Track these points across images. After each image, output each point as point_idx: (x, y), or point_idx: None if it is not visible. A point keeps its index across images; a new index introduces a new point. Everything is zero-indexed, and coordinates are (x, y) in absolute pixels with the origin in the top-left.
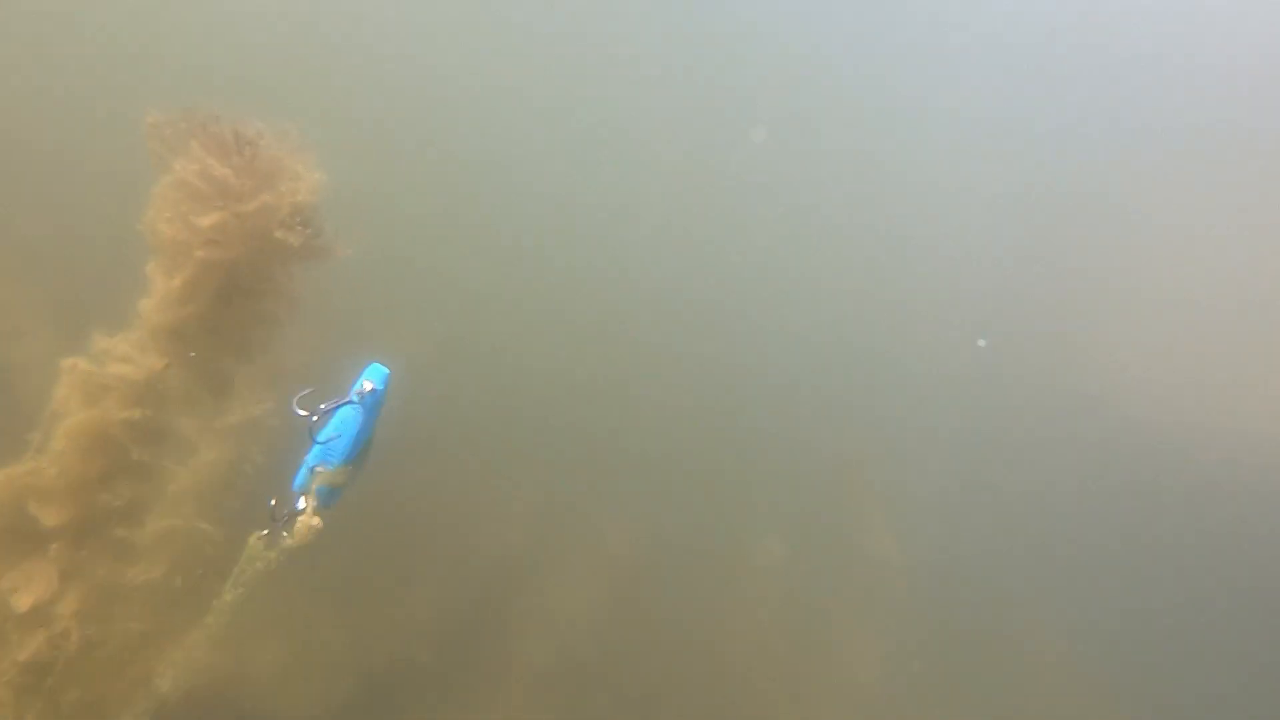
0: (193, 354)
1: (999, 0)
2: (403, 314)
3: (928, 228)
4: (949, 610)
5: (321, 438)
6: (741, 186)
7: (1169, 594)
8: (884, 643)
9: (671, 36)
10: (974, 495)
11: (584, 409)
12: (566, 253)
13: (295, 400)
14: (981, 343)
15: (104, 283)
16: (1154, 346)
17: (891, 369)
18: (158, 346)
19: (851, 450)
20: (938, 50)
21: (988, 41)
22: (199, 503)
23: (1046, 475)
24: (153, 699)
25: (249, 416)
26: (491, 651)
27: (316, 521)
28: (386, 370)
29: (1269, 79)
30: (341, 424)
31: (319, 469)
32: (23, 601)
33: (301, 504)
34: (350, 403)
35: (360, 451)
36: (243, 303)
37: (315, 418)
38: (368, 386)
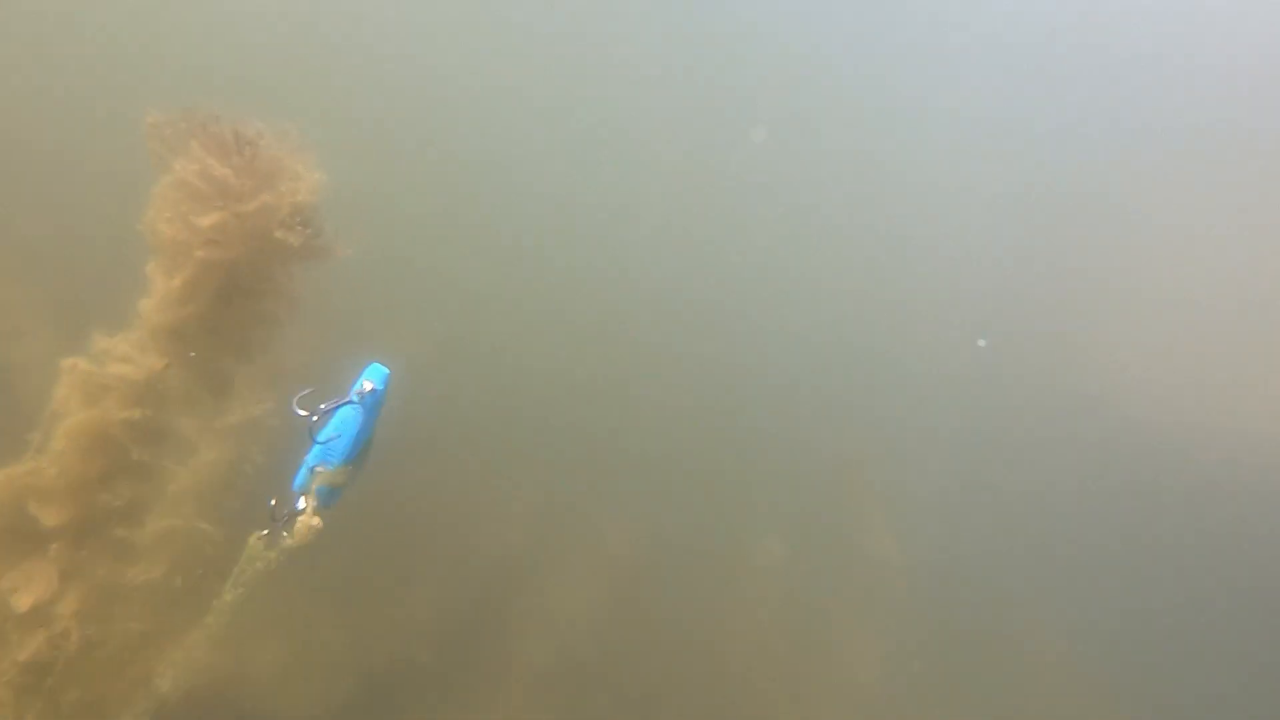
0: (193, 354)
1: (1000, 0)
2: (403, 314)
3: (927, 228)
4: (949, 610)
5: (321, 438)
6: (742, 186)
7: (1169, 594)
8: (884, 643)
9: (672, 36)
10: (974, 495)
11: (584, 409)
12: (567, 253)
13: (295, 400)
14: (981, 343)
15: (104, 283)
16: (1153, 346)
17: (891, 369)
18: (158, 346)
19: (851, 450)
20: (937, 50)
21: (987, 41)
22: (199, 503)
23: (1046, 475)
24: (153, 699)
25: (249, 416)
26: (491, 651)
27: (316, 521)
28: (386, 370)
29: (1269, 79)
30: (341, 424)
31: (319, 469)
32: (23, 601)
33: (302, 504)
34: (350, 403)
35: (360, 451)
36: (243, 303)
37: (315, 418)
38: (368, 386)
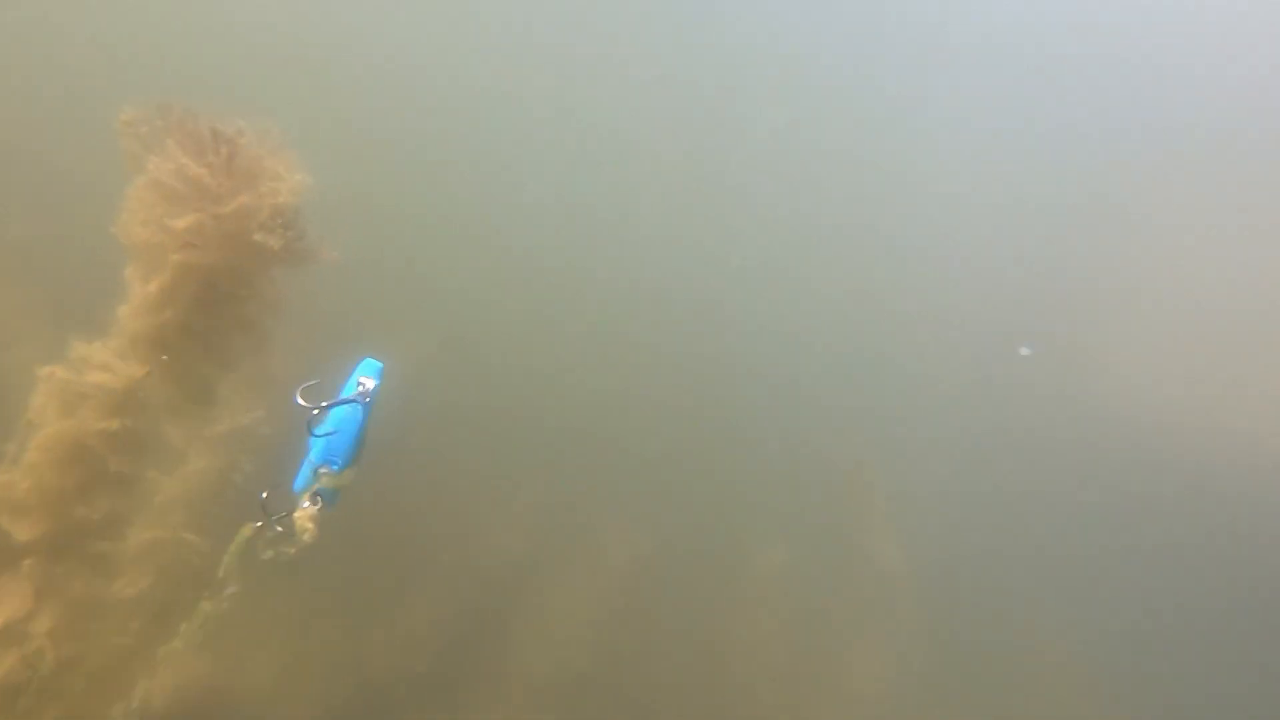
0: (165, 357)
1: (1009, 5)
2: (401, 317)
3: (930, 231)
4: (952, 616)
5: (320, 432)
6: (744, 188)
7: (1177, 603)
8: (887, 651)
9: (671, 36)
10: (977, 499)
11: (584, 413)
12: (569, 255)
13: (299, 391)
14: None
15: (84, 287)
16: (1157, 349)
17: (894, 373)
18: (137, 353)
19: (854, 454)
20: (938, 51)
21: (988, 42)
22: (185, 513)
23: (1049, 479)
24: (138, 716)
25: (238, 425)
26: (490, 660)
27: (312, 525)
28: (380, 364)
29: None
30: (341, 422)
31: (322, 470)
32: None
33: (306, 504)
34: (352, 400)
35: (359, 450)
36: (224, 308)
37: (316, 411)
38: (369, 384)
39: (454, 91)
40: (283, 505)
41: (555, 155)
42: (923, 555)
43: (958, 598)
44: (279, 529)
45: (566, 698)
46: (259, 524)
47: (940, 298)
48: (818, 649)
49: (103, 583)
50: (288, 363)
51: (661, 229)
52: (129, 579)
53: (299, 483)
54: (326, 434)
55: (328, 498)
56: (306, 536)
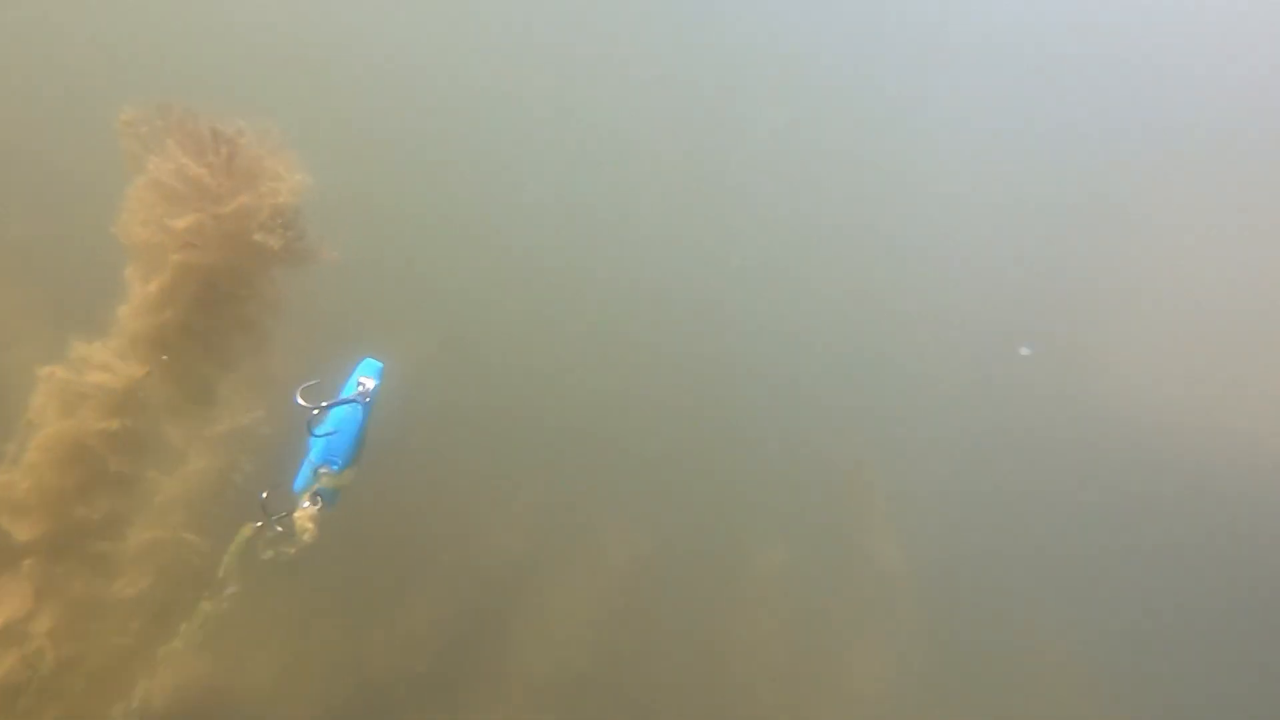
0: (165, 357)
1: (1009, 5)
2: (401, 317)
3: (931, 232)
4: (953, 617)
5: (320, 432)
6: (745, 189)
7: (1177, 603)
8: (889, 655)
9: (672, 36)
10: (977, 500)
11: (584, 413)
12: (570, 256)
13: (300, 391)
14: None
15: (84, 287)
16: (1158, 350)
17: (894, 373)
18: (137, 354)
19: (854, 454)
20: (939, 52)
21: (991, 43)
22: (186, 513)
23: (1050, 480)
24: (139, 717)
25: (238, 425)
26: (489, 660)
27: (311, 525)
28: (380, 364)
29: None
30: (341, 422)
31: (322, 470)
32: None
33: (306, 505)
34: (352, 400)
35: (359, 450)
36: (224, 308)
37: (317, 411)
38: (369, 384)
39: (454, 91)
40: (283, 505)
41: (555, 155)
42: (923, 555)
43: (958, 598)
44: (279, 529)
45: (566, 697)
46: (259, 524)
47: (940, 298)
48: (818, 649)
49: (103, 583)
50: (288, 363)
51: (661, 229)
52: (129, 579)
53: (299, 483)
54: (327, 434)
55: (328, 498)
56: (306, 536)
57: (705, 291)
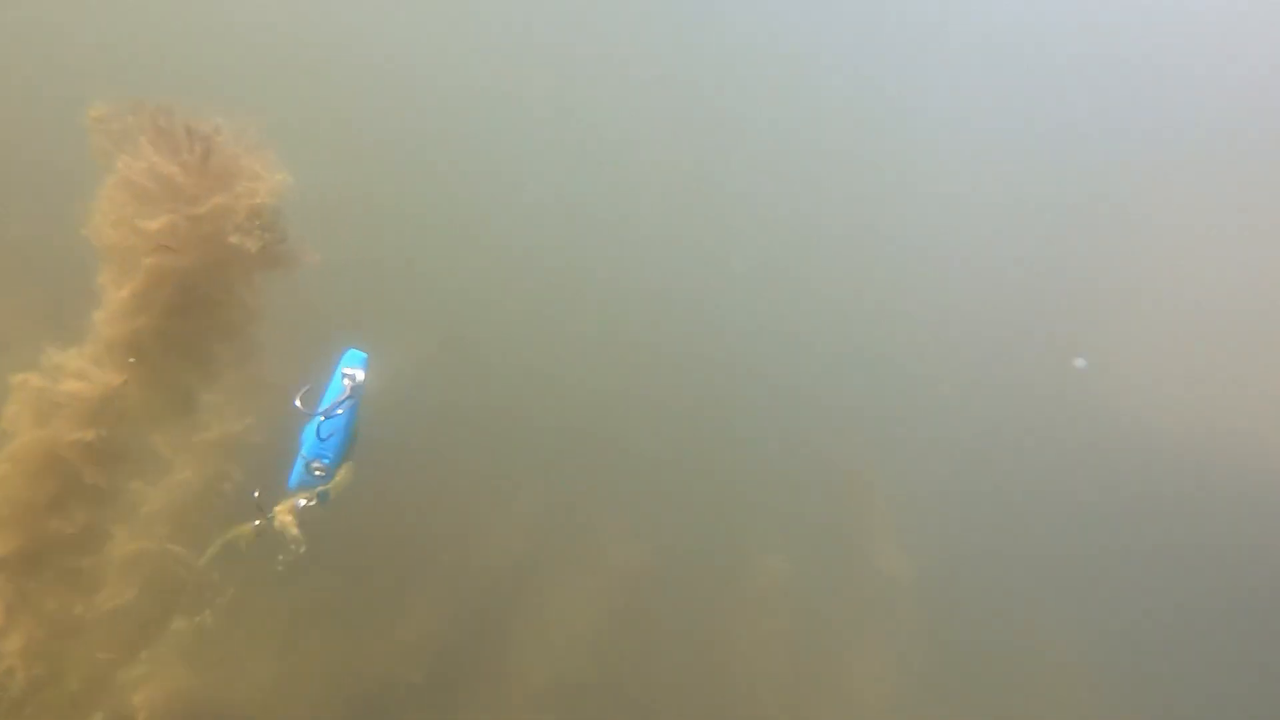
0: (131, 360)
1: (1009, 5)
2: (402, 316)
3: (932, 234)
4: (954, 620)
5: (323, 435)
6: (745, 190)
7: (1177, 603)
8: (889, 655)
9: (672, 36)
10: (980, 502)
11: (585, 415)
12: (571, 257)
13: (298, 396)
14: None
15: (63, 291)
16: (1159, 351)
17: (896, 376)
18: (113, 361)
19: (856, 457)
20: (939, 51)
21: (991, 43)
22: (172, 525)
23: (1052, 481)
24: None
25: (228, 433)
26: (487, 667)
27: (291, 518)
28: (364, 355)
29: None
30: (338, 420)
31: (314, 465)
32: None
33: (302, 502)
34: (349, 399)
35: (350, 443)
36: (201, 314)
37: (321, 416)
38: (357, 375)
39: (454, 91)
40: (276, 503)
41: (555, 155)
42: (923, 556)
43: (958, 599)
44: (272, 524)
45: (566, 699)
46: (256, 522)
47: (940, 298)
48: (818, 650)
49: (80, 598)
50: (281, 367)
51: (661, 229)
52: (112, 592)
53: (293, 479)
54: (328, 436)
55: (322, 493)
56: (290, 531)
57: (705, 292)
